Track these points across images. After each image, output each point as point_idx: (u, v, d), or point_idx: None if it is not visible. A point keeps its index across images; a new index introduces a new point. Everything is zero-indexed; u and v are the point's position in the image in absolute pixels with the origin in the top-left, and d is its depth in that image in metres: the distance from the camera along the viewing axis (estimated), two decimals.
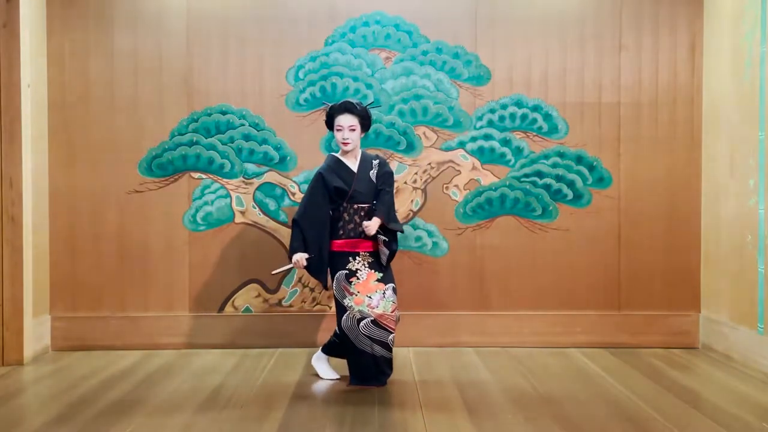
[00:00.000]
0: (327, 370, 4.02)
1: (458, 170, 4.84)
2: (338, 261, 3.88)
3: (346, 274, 3.86)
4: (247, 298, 4.82)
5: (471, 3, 4.83)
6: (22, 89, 4.32)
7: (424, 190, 4.85)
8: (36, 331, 4.50)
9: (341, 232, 3.91)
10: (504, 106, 4.83)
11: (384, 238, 3.86)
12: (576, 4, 4.84)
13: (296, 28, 4.80)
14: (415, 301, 4.77)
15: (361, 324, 3.77)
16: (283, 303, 4.83)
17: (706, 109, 4.80)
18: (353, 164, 3.97)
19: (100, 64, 4.75)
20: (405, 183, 4.81)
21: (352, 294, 3.82)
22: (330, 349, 4.01)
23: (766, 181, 4.10)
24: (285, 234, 4.71)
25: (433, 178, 4.85)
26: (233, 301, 4.82)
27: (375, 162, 4.01)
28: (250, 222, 4.81)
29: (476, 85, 4.83)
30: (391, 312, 3.82)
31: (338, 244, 3.90)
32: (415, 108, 4.81)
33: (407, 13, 4.82)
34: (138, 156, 4.76)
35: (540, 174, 4.83)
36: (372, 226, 3.82)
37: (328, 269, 3.92)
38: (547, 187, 4.83)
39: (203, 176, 4.79)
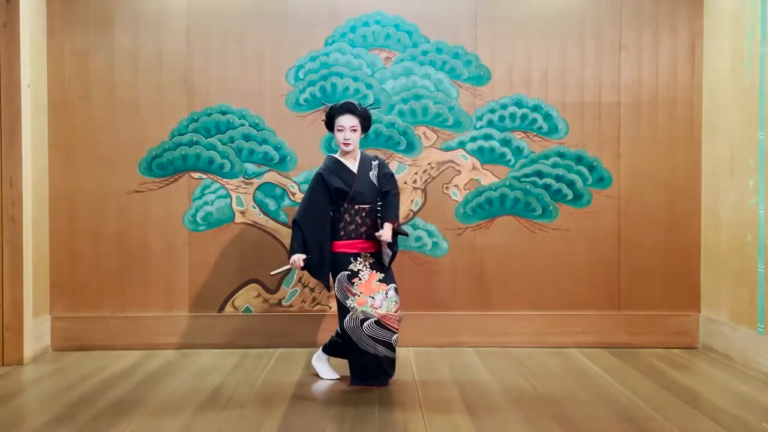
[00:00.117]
0: (327, 370, 4.02)
1: (458, 170, 4.84)
2: (340, 262, 3.88)
3: (348, 275, 3.85)
4: (247, 298, 4.82)
5: (471, 3, 4.82)
6: (22, 89, 4.31)
7: (424, 190, 4.85)
8: (36, 331, 4.50)
9: (342, 233, 3.91)
10: (504, 106, 4.83)
11: (390, 241, 3.86)
12: (576, 4, 4.84)
13: (296, 27, 4.80)
14: (415, 301, 4.77)
15: (365, 325, 3.77)
16: (283, 303, 4.83)
17: (706, 109, 4.80)
18: (353, 165, 3.97)
19: (100, 64, 4.75)
20: (405, 183, 4.81)
21: (354, 295, 3.82)
22: (331, 349, 4.01)
23: (766, 181, 4.10)
24: (285, 234, 4.71)
25: (433, 178, 4.85)
26: (233, 301, 4.81)
27: (374, 163, 4.01)
28: (250, 222, 4.81)
29: (476, 85, 4.83)
30: (394, 312, 3.83)
31: (339, 245, 3.90)
32: (415, 108, 4.81)
33: (407, 13, 4.82)
34: (138, 156, 4.76)
35: (540, 174, 4.83)
36: (387, 233, 3.82)
37: (330, 270, 3.92)
38: (547, 187, 4.83)
39: (203, 176, 4.79)
